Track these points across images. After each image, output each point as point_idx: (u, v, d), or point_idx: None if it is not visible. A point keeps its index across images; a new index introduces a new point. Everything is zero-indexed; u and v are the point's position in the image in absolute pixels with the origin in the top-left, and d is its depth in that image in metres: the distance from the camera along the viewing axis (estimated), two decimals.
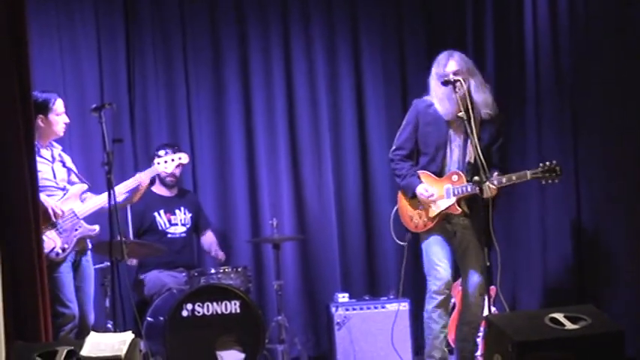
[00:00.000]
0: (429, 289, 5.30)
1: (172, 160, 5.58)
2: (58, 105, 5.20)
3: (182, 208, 6.60)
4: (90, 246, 5.33)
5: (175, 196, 6.64)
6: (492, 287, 5.49)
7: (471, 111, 5.02)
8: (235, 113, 7.04)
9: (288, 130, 7.11)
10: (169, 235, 6.52)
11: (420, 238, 5.39)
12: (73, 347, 4.06)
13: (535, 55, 6.63)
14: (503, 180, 5.05)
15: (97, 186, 5.40)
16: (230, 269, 6.16)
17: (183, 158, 5.63)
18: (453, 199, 5.20)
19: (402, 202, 5.45)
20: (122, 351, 4.03)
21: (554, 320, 4.11)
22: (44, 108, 5.13)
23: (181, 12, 6.99)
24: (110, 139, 5.02)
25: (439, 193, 5.24)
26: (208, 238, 6.70)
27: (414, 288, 6.29)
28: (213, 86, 7.04)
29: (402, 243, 5.51)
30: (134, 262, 6.31)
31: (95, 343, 4.09)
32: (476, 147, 4.90)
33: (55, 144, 5.30)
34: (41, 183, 4.83)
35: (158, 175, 6.41)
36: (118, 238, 4.94)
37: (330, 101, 7.16)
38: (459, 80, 5.08)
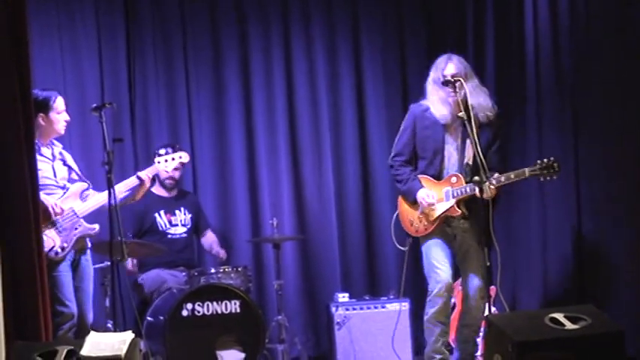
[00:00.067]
0: (429, 292, 5.29)
1: (173, 159, 5.57)
2: (59, 103, 5.19)
3: (182, 209, 6.60)
4: (89, 245, 5.32)
5: (175, 197, 6.64)
6: (492, 287, 5.49)
7: (470, 112, 5.03)
8: (236, 113, 7.05)
9: (288, 130, 7.11)
10: (170, 236, 6.52)
11: (420, 241, 5.38)
12: (73, 347, 4.06)
13: (535, 55, 6.63)
14: (502, 179, 5.05)
15: (98, 186, 5.39)
16: (230, 269, 6.16)
17: (184, 157, 5.62)
18: (453, 201, 5.21)
19: (403, 206, 5.45)
20: (122, 351, 4.03)
21: (555, 320, 4.10)
22: (45, 106, 5.13)
23: (182, 12, 6.99)
24: (110, 138, 5.02)
25: (439, 197, 5.24)
26: (209, 238, 6.70)
27: (414, 288, 6.29)
28: (213, 86, 7.04)
29: (402, 248, 5.51)
30: (130, 266, 6.30)
31: (95, 342, 4.09)
32: (476, 147, 4.89)
33: (55, 142, 5.29)
34: (41, 182, 4.82)
35: (157, 176, 6.41)
36: (119, 238, 4.94)
37: (330, 101, 7.16)
38: (460, 80, 5.09)
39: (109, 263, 5.27)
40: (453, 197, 5.20)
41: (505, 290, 5.97)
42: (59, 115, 5.19)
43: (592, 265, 6.40)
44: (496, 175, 5.10)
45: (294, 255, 7.01)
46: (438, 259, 5.25)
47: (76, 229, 5.14)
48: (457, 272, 5.55)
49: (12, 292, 4.32)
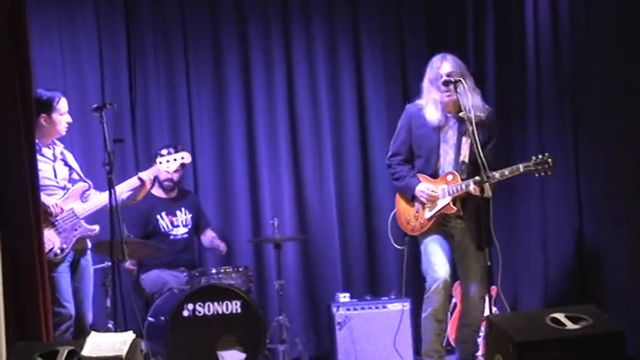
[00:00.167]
0: (427, 289, 5.28)
1: (175, 159, 5.55)
2: (62, 104, 5.19)
3: (183, 209, 6.60)
4: (89, 246, 5.32)
5: (175, 198, 6.64)
6: (493, 287, 5.49)
7: (469, 111, 5.02)
8: (236, 113, 7.05)
9: (289, 130, 7.11)
10: (172, 237, 6.52)
11: (419, 240, 5.37)
12: (73, 347, 4.06)
13: (536, 55, 6.64)
14: (497, 175, 5.00)
15: (98, 186, 5.40)
16: (231, 269, 6.16)
17: (186, 158, 5.60)
18: (448, 199, 5.20)
19: (400, 205, 5.44)
20: (123, 351, 4.03)
21: (555, 320, 4.10)
22: (48, 107, 5.13)
23: (182, 12, 6.99)
24: (111, 139, 5.01)
25: (437, 193, 5.24)
26: (208, 236, 6.70)
27: (415, 288, 6.28)
28: (214, 86, 7.04)
29: (400, 247, 5.51)
30: (129, 264, 6.30)
31: (96, 343, 4.08)
32: (476, 147, 4.88)
33: (57, 142, 5.29)
34: (42, 182, 4.81)
35: (157, 177, 6.41)
36: (119, 238, 4.94)
37: (331, 101, 7.16)
38: (460, 81, 5.09)
39: (109, 263, 5.27)
40: (449, 195, 5.19)
41: (506, 290, 5.97)
42: (62, 117, 5.19)
43: (592, 265, 6.40)
44: (490, 173, 5.06)
45: (295, 255, 7.01)
46: (435, 257, 5.24)
47: (75, 230, 5.14)
48: (456, 273, 5.55)
49: (12, 292, 4.31)
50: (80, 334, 5.05)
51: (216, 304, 5.83)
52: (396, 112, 6.87)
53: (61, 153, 5.29)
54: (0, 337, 4.18)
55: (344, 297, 6.51)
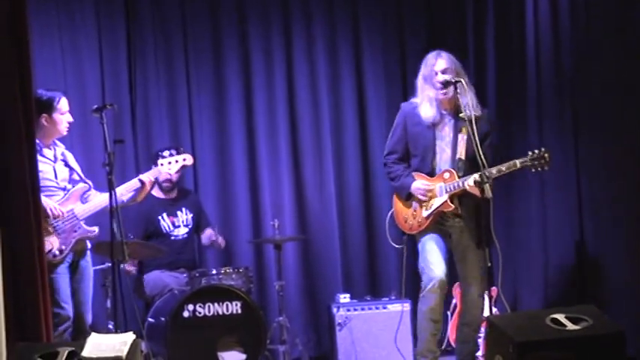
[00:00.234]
0: (422, 288, 5.26)
1: (176, 161, 5.54)
2: (63, 104, 5.19)
3: (183, 209, 6.60)
4: (89, 246, 5.32)
5: (176, 198, 6.64)
6: (493, 288, 5.49)
7: (469, 111, 5.01)
8: (236, 113, 7.05)
9: (289, 131, 7.11)
10: (173, 237, 6.52)
11: (416, 239, 5.36)
12: (74, 348, 4.06)
13: (536, 55, 6.64)
14: (493, 171, 4.95)
15: (98, 187, 5.40)
16: (231, 270, 6.16)
17: (188, 160, 5.59)
18: (445, 197, 5.17)
19: (397, 204, 5.44)
20: (123, 352, 4.03)
21: (555, 321, 4.10)
22: (48, 107, 5.13)
23: (182, 12, 7.00)
24: (111, 139, 5.00)
25: (432, 192, 5.23)
26: (207, 233, 6.69)
27: (415, 288, 6.27)
28: (214, 86, 7.04)
29: (398, 246, 5.50)
30: (132, 269, 6.31)
31: (96, 343, 4.08)
32: (476, 146, 4.87)
33: (58, 142, 5.29)
34: (42, 183, 4.82)
35: (156, 178, 6.39)
36: (119, 239, 4.94)
37: (331, 101, 7.17)
38: (460, 81, 5.08)
39: (109, 264, 5.27)
40: (446, 192, 5.17)
41: (506, 290, 5.98)
42: (62, 116, 5.18)
43: (592, 265, 6.40)
44: (488, 170, 5.04)
45: (295, 256, 7.01)
46: (432, 256, 5.22)
47: (75, 231, 5.14)
48: (456, 273, 5.54)
49: (12, 293, 4.31)
50: (80, 334, 5.05)
51: (216, 304, 5.83)
52: (397, 113, 6.88)
53: (62, 154, 5.29)
54: (0, 337, 4.18)
55: (344, 297, 6.52)
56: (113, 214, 4.91)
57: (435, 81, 5.23)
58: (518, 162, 5.00)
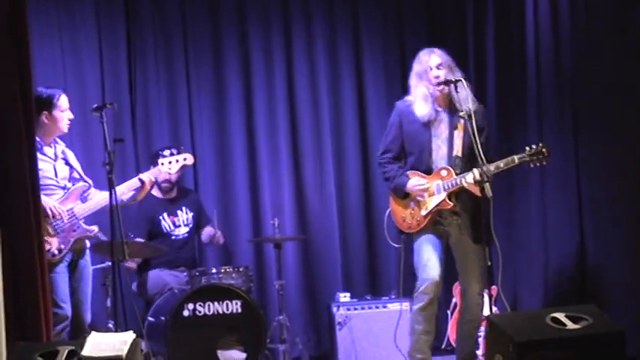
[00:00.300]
0: (417, 288, 5.23)
1: (177, 161, 5.53)
2: (63, 101, 5.19)
3: (184, 209, 6.60)
4: (88, 246, 5.32)
5: (176, 198, 6.64)
6: (494, 287, 5.48)
7: (468, 109, 4.99)
8: (237, 113, 7.05)
9: (289, 130, 7.11)
10: (174, 237, 6.52)
11: (412, 239, 5.33)
12: (74, 347, 4.06)
13: (536, 55, 6.64)
14: (492, 168, 4.92)
15: (98, 186, 5.39)
16: (231, 269, 6.16)
17: (188, 159, 5.57)
18: (444, 194, 5.15)
19: (394, 204, 5.40)
20: (123, 351, 4.03)
21: (556, 320, 4.10)
22: (48, 104, 5.12)
23: (182, 12, 7.00)
24: (111, 138, 5.00)
25: (430, 191, 5.19)
26: (206, 230, 6.69)
27: (413, 288, 6.28)
28: (214, 86, 7.04)
29: (396, 245, 5.50)
30: (132, 265, 6.31)
31: (96, 342, 4.08)
32: (476, 145, 4.85)
33: (58, 140, 5.28)
34: (42, 182, 4.81)
35: (156, 178, 6.39)
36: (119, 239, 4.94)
37: (331, 101, 7.17)
38: (461, 80, 5.06)
39: (109, 263, 5.27)
40: (444, 190, 5.14)
41: (506, 290, 5.97)
42: (63, 113, 5.18)
43: (592, 264, 6.40)
44: (486, 166, 5.01)
45: (295, 255, 7.02)
46: (428, 256, 5.20)
47: (74, 230, 5.13)
48: (456, 273, 5.53)
49: (12, 292, 4.31)
50: (79, 334, 5.04)
51: (216, 303, 5.83)
52: None
53: (62, 152, 5.28)
54: (0, 336, 4.18)
55: (344, 297, 6.52)
56: (113, 213, 4.91)
57: (431, 77, 5.20)
58: (516, 158, 4.97)
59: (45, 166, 5.04)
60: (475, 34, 7.06)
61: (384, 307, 6.37)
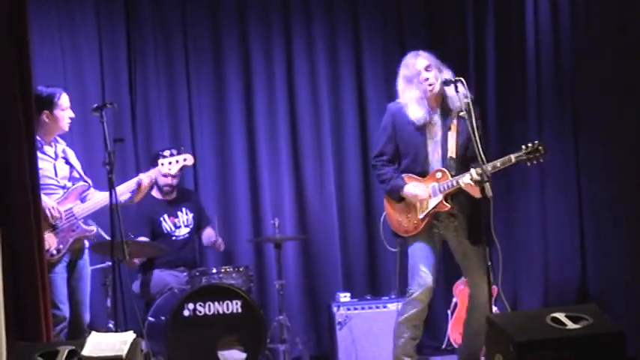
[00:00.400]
0: (409, 293, 5.19)
1: (177, 161, 5.53)
2: (64, 100, 5.19)
3: (184, 209, 6.60)
4: (87, 245, 5.31)
5: (176, 199, 6.63)
6: (494, 287, 5.46)
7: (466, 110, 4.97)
8: (237, 113, 7.05)
9: (289, 130, 7.11)
10: (174, 238, 6.52)
11: (407, 243, 5.28)
12: (74, 347, 4.06)
13: (536, 55, 6.65)
14: (489, 168, 4.87)
15: (98, 186, 5.40)
16: (231, 269, 6.16)
17: (189, 160, 5.57)
18: (440, 197, 5.11)
19: (390, 208, 5.35)
20: (123, 351, 4.02)
21: (556, 320, 4.10)
22: (49, 103, 5.12)
23: (182, 12, 7.00)
24: (111, 138, 5.00)
25: (425, 193, 5.16)
26: (207, 233, 6.70)
27: None
28: (214, 86, 7.04)
29: (393, 249, 5.48)
30: (136, 260, 6.31)
31: (96, 342, 4.08)
32: (476, 144, 4.83)
33: (59, 139, 5.28)
34: (42, 181, 4.80)
35: (156, 180, 6.39)
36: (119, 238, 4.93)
37: (331, 101, 7.17)
38: (460, 80, 5.04)
39: (109, 263, 5.26)
40: (440, 192, 5.10)
41: (506, 290, 5.98)
42: (64, 112, 5.18)
43: (592, 265, 6.41)
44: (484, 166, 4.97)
45: (295, 255, 7.02)
46: (422, 262, 5.15)
47: (73, 230, 5.13)
48: (454, 273, 5.52)
49: (12, 292, 4.31)
50: (78, 334, 5.04)
51: (216, 303, 5.83)
52: None
53: (63, 151, 5.28)
54: (0, 336, 4.18)
55: (344, 297, 6.52)
56: (113, 213, 4.91)
57: (421, 79, 5.17)
58: (513, 157, 4.92)
59: (45, 165, 5.04)
60: (475, 34, 7.05)
61: (384, 307, 6.37)
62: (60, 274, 5.08)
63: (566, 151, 6.47)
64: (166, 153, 5.93)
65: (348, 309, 6.38)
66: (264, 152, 7.05)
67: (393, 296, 6.43)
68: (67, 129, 5.24)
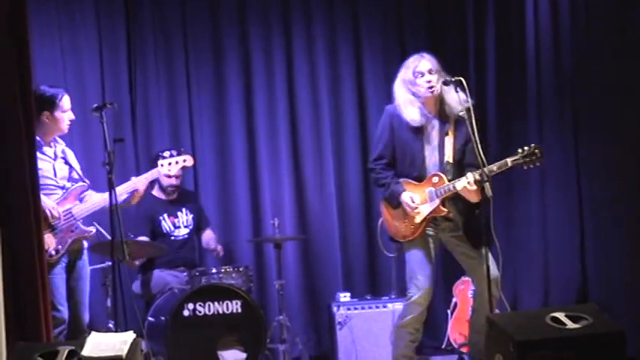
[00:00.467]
0: (408, 298, 5.16)
1: (177, 162, 5.53)
2: (65, 101, 5.18)
3: (184, 210, 6.60)
4: (86, 246, 5.31)
5: (176, 199, 6.63)
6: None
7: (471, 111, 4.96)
8: (237, 113, 7.05)
9: (289, 130, 7.11)
10: (173, 238, 6.52)
11: (404, 248, 5.25)
12: (74, 347, 4.06)
13: (536, 55, 6.65)
14: (485, 172, 4.84)
15: (98, 186, 5.40)
16: (231, 269, 6.16)
17: (188, 161, 5.57)
18: (437, 201, 5.07)
19: (387, 213, 5.30)
20: (123, 351, 4.02)
21: (556, 319, 4.09)
22: (51, 104, 5.11)
23: (182, 12, 7.00)
24: (111, 138, 5.00)
25: (422, 198, 5.11)
26: (207, 235, 6.70)
27: None
28: (214, 86, 7.04)
29: (390, 255, 5.48)
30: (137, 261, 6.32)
31: (96, 343, 4.07)
32: (476, 145, 4.83)
33: (59, 139, 5.28)
34: (41, 181, 4.78)
35: (158, 180, 6.40)
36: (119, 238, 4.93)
37: (331, 101, 7.17)
38: (460, 79, 5.03)
39: (109, 263, 5.26)
40: (437, 197, 5.06)
41: (506, 290, 5.96)
42: (64, 114, 5.17)
43: (592, 265, 6.41)
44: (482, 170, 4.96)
45: (295, 255, 7.02)
46: (420, 267, 5.13)
47: (72, 231, 5.12)
48: (456, 273, 5.51)
49: (12, 292, 4.31)
50: (78, 334, 5.04)
51: (216, 303, 5.83)
52: None
53: (62, 151, 5.28)
54: (0, 337, 4.18)
55: (344, 296, 6.52)
56: (113, 213, 4.91)
57: (422, 82, 5.12)
58: (509, 161, 4.90)
59: (44, 165, 5.03)
60: (475, 34, 7.06)
61: (384, 307, 6.37)
62: (59, 275, 5.08)
63: (566, 151, 6.47)
64: (166, 154, 5.93)
65: (348, 309, 6.38)
66: (264, 152, 7.05)
67: (393, 296, 6.43)
68: (66, 130, 5.24)
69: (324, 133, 7.12)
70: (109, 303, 5.84)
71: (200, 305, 5.81)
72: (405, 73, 5.22)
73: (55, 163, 5.19)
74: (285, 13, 7.13)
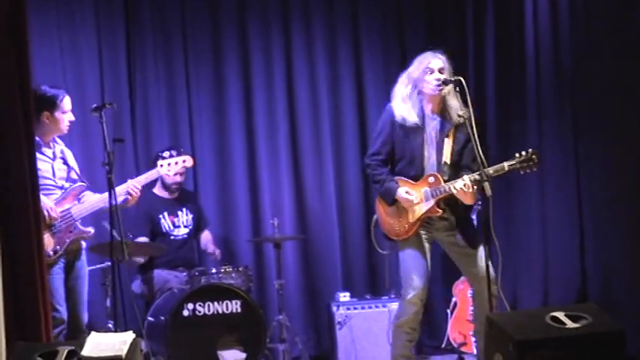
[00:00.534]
0: (403, 297, 5.15)
1: (176, 162, 5.52)
2: (66, 102, 5.18)
3: (184, 210, 6.61)
4: (84, 246, 5.31)
5: (177, 198, 6.64)
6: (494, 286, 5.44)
7: (465, 112, 4.95)
8: (236, 113, 7.05)
9: (289, 130, 7.12)
10: (172, 237, 6.53)
11: (398, 247, 5.23)
12: (73, 347, 4.05)
13: (535, 55, 6.65)
14: (485, 172, 4.83)
15: (98, 186, 5.39)
16: (231, 269, 6.16)
17: (188, 161, 5.57)
18: (432, 201, 5.06)
19: (381, 211, 5.27)
20: (123, 351, 4.02)
21: (555, 319, 4.09)
22: (51, 104, 5.11)
23: (182, 12, 7.00)
24: (111, 139, 5.00)
25: (418, 197, 5.10)
26: (205, 237, 6.71)
27: None
28: (214, 86, 7.05)
29: (384, 252, 5.46)
30: (140, 258, 6.32)
31: (96, 342, 4.07)
32: (476, 146, 4.82)
33: (58, 140, 5.28)
34: (40, 181, 4.78)
35: (162, 179, 6.41)
36: (119, 239, 4.93)
37: (331, 102, 7.17)
38: (460, 79, 5.02)
39: (109, 263, 5.26)
40: (433, 197, 5.04)
41: (506, 290, 5.96)
42: (64, 115, 5.17)
43: (592, 264, 6.40)
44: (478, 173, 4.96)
45: (295, 255, 7.02)
46: (415, 266, 5.11)
47: (70, 231, 5.12)
48: (456, 272, 5.50)
49: (12, 292, 4.31)
50: (77, 334, 5.04)
51: (216, 303, 5.84)
52: None
53: (61, 151, 5.28)
54: (0, 337, 4.18)
55: (344, 296, 6.53)
56: (113, 214, 4.91)
57: (431, 79, 5.10)
58: (506, 165, 4.88)
59: (43, 165, 5.03)
60: (475, 34, 7.06)
61: (384, 306, 6.38)
62: (57, 275, 5.08)
63: (566, 151, 6.47)
64: (166, 154, 5.94)
65: (348, 309, 6.39)
66: (263, 152, 7.05)
67: (392, 296, 6.44)
68: (66, 131, 5.24)
69: (324, 133, 7.12)
70: (108, 303, 5.84)
71: (200, 305, 5.82)
72: (415, 68, 5.19)
73: (54, 164, 5.19)
74: (284, 13, 7.13)
